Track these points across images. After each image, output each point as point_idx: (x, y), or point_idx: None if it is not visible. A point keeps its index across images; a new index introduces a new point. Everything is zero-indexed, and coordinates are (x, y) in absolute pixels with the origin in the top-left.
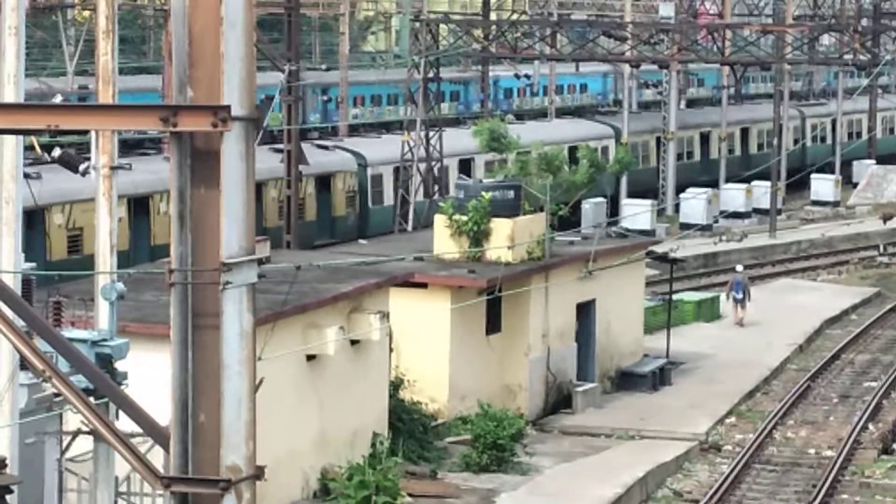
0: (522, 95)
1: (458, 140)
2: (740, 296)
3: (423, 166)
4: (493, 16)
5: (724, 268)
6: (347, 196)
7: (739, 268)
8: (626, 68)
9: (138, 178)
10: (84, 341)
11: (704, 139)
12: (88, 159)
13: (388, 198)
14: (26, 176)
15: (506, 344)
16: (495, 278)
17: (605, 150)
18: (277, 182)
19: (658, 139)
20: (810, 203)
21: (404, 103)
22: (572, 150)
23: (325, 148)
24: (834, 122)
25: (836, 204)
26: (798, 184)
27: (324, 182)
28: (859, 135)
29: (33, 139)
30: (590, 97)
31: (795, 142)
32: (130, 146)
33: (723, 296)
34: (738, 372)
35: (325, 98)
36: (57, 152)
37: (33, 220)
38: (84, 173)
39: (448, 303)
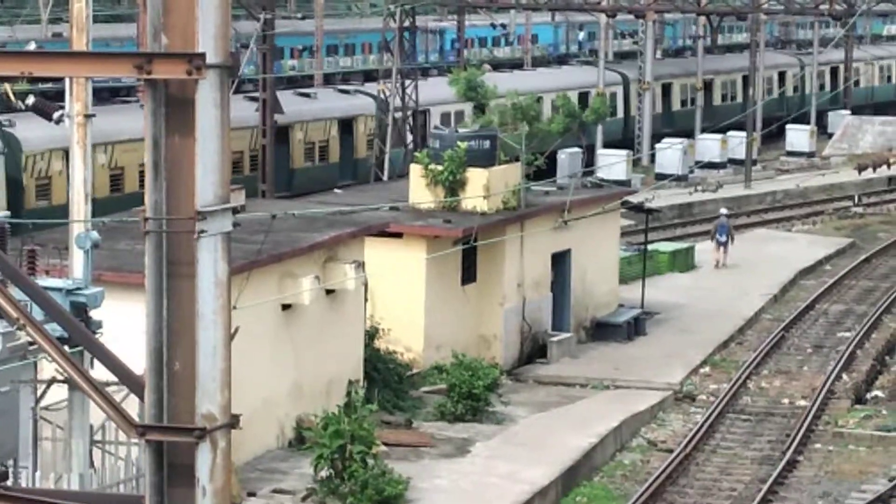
0: (471, 47)
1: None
2: (724, 238)
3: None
4: None
5: (700, 218)
6: (368, 139)
7: (724, 210)
8: (603, 18)
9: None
10: (59, 290)
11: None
12: (62, 107)
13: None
14: None
15: (481, 294)
16: (471, 228)
17: (613, 96)
18: (303, 125)
19: (664, 86)
20: (785, 154)
21: (379, 52)
22: (582, 97)
23: (347, 92)
24: (834, 70)
25: (811, 154)
26: (773, 134)
27: (346, 125)
28: (857, 83)
29: (7, 87)
30: (539, 48)
31: (795, 89)
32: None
33: (708, 243)
34: (713, 322)
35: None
36: (31, 100)
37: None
38: (58, 121)
39: (423, 252)
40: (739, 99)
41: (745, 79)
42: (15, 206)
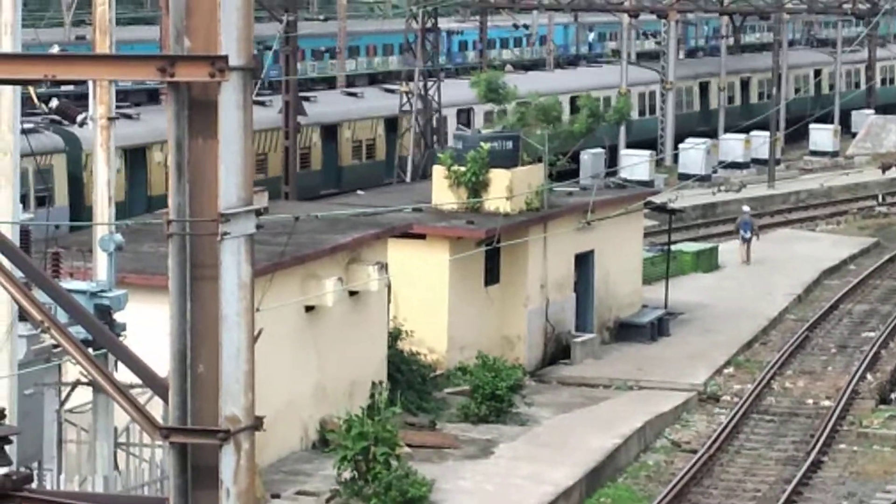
0: (477, 48)
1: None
2: (748, 235)
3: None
4: None
5: (723, 218)
6: (414, 138)
7: (746, 208)
8: (626, 18)
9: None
10: (83, 292)
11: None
12: (85, 110)
13: (451, 139)
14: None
15: (504, 295)
16: (494, 229)
17: (652, 94)
18: (351, 124)
19: (701, 84)
20: (809, 153)
21: (401, 53)
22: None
23: (392, 91)
24: (867, 68)
25: (834, 154)
26: (797, 134)
27: (391, 124)
28: (892, 81)
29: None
30: (551, 49)
31: (831, 87)
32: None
33: (732, 243)
34: (737, 322)
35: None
36: (54, 103)
37: None
38: (81, 124)
39: (447, 254)
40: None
41: (780, 77)
42: (76, 203)
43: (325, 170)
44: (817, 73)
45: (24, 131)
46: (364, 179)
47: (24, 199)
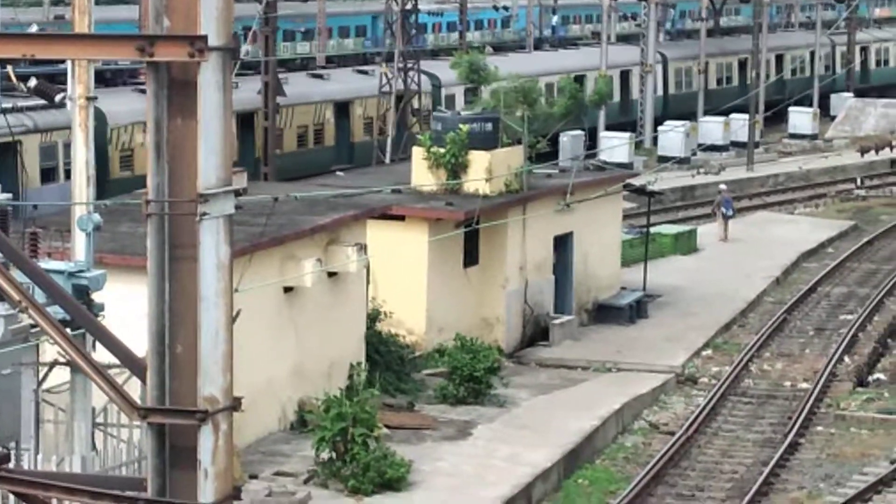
0: (438, 31)
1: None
2: (730, 213)
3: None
4: None
5: (702, 201)
6: (424, 115)
7: (723, 186)
8: (606, 0)
9: None
10: (61, 272)
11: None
12: (64, 90)
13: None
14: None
15: (483, 276)
16: (473, 211)
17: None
18: (363, 101)
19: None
20: (788, 136)
21: (381, 34)
22: (624, 75)
23: (364, 73)
24: (864, 50)
25: (813, 137)
26: (776, 117)
27: (401, 101)
28: (887, 62)
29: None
30: (513, 32)
31: (827, 68)
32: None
33: (710, 226)
34: (715, 305)
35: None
36: (33, 82)
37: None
38: (60, 104)
39: (425, 235)
40: (773, 77)
41: (778, 58)
42: (100, 177)
43: (338, 146)
44: (812, 55)
45: (48, 106)
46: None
47: (53, 173)
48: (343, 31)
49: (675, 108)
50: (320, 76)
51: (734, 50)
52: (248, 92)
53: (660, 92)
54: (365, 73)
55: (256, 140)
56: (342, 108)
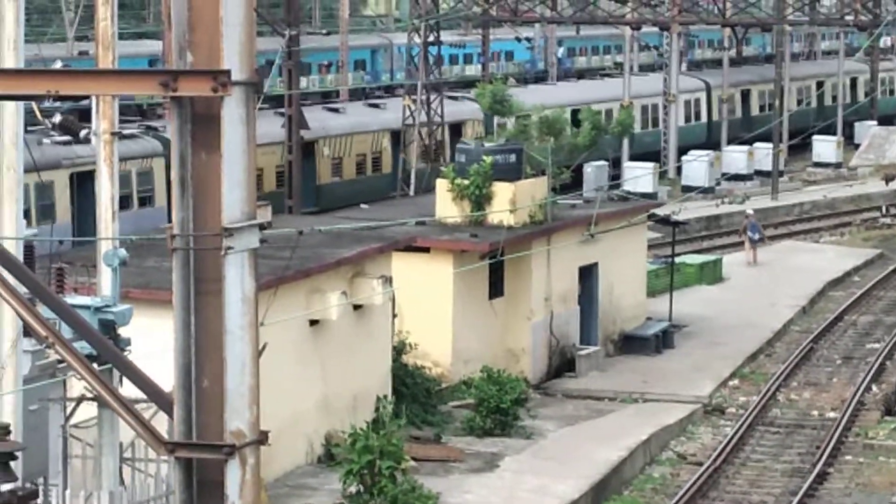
0: (455, 63)
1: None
2: (756, 237)
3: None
4: None
5: (727, 230)
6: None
7: (750, 210)
8: (628, 30)
9: None
10: (87, 307)
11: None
12: (89, 126)
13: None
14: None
15: (508, 308)
16: (497, 242)
17: (697, 101)
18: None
19: (743, 92)
20: (812, 165)
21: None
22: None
23: (455, 98)
24: (870, 79)
25: (838, 165)
26: (800, 146)
27: (456, 129)
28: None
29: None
30: (516, 65)
31: (866, 94)
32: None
33: (736, 255)
34: (741, 334)
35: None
36: (57, 118)
37: None
38: (85, 139)
39: (450, 267)
40: (814, 104)
41: (819, 84)
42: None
43: (395, 172)
44: (854, 81)
45: (125, 136)
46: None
47: (128, 200)
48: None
49: (719, 134)
50: (377, 105)
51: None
52: (311, 122)
53: (704, 119)
54: (377, 106)
55: (318, 168)
56: (397, 137)
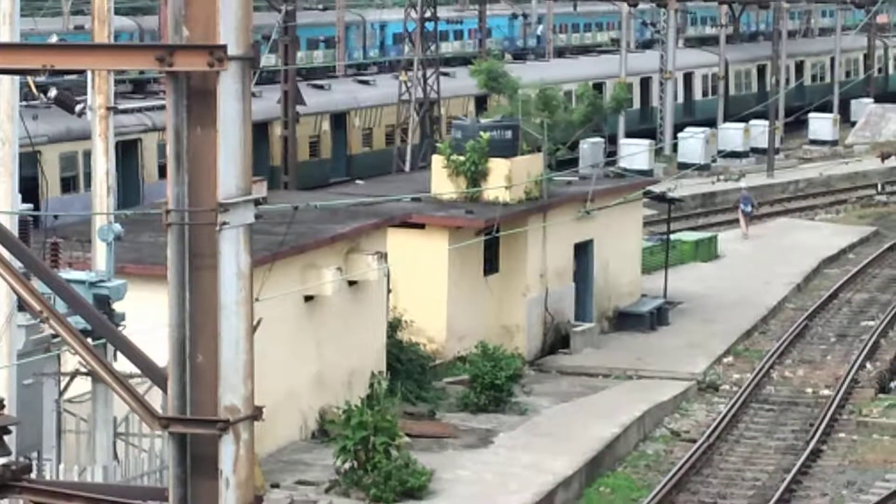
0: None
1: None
2: (749, 209)
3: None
4: None
5: (722, 207)
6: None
7: (743, 183)
8: (625, 7)
9: None
10: (82, 282)
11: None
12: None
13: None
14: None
15: (503, 284)
16: (493, 218)
17: (714, 76)
18: (446, 102)
19: (759, 68)
20: (808, 142)
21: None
22: (687, 77)
23: (365, 83)
24: (866, 57)
25: (834, 143)
26: (796, 123)
27: (481, 101)
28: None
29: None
30: (494, 42)
31: (879, 70)
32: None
33: (731, 232)
34: (736, 311)
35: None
36: (53, 93)
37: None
38: (80, 114)
39: (446, 243)
40: (827, 80)
41: (832, 60)
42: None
43: (422, 143)
44: (866, 57)
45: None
46: None
47: (163, 170)
48: (312, 43)
49: (735, 109)
50: (367, 83)
51: (791, 53)
52: (342, 94)
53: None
54: (366, 82)
55: (348, 137)
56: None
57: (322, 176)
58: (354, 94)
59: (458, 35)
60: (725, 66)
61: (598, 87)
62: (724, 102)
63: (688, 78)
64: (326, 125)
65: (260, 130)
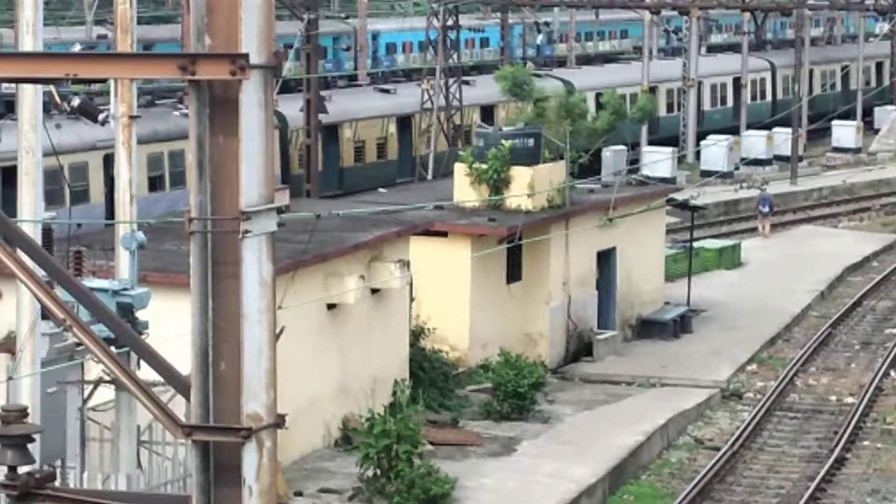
0: (409, 51)
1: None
2: (766, 209)
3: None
4: None
5: (745, 215)
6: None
7: (764, 186)
8: (647, 14)
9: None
10: (105, 290)
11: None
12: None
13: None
14: None
15: (526, 292)
16: (515, 226)
17: (762, 81)
18: (505, 105)
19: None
20: (831, 150)
21: (422, 51)
22: (735, 82)
23: (539, 76)
24: (891, 64)
25: (857, 150)
26: (819, 131)
27: (487, 112)
28: None
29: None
30: (492, 52)
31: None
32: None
33: (754, 240)
34: (760, 319)
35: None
36: (76, 102)
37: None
38: (103, 122)
39: (468, 251)
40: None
41: (878, 65)
42: (283, 174)
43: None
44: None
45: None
46: None
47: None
48: (389, 48)
49: (783, 111)
50: (466, 82)
51: (837, 58)
52: (408, 98)
53: (769, 98)
54: (387, 91)
55: (413, 140)
56: (487, 112)
57: (388, 176)
58: (415, 98)
59: (455, 45)
60: (773, 71)
61: (736, 82)
62: (773, 107)
63: (736, 82)
64: (393, 128)
65: (329, 132)
